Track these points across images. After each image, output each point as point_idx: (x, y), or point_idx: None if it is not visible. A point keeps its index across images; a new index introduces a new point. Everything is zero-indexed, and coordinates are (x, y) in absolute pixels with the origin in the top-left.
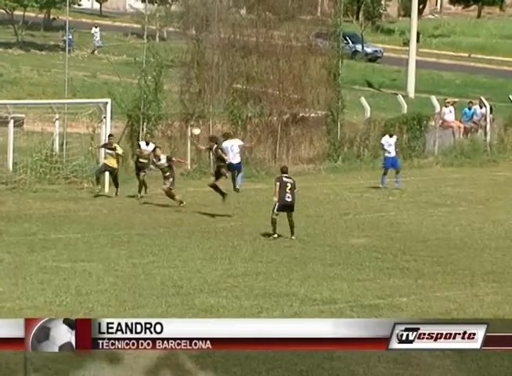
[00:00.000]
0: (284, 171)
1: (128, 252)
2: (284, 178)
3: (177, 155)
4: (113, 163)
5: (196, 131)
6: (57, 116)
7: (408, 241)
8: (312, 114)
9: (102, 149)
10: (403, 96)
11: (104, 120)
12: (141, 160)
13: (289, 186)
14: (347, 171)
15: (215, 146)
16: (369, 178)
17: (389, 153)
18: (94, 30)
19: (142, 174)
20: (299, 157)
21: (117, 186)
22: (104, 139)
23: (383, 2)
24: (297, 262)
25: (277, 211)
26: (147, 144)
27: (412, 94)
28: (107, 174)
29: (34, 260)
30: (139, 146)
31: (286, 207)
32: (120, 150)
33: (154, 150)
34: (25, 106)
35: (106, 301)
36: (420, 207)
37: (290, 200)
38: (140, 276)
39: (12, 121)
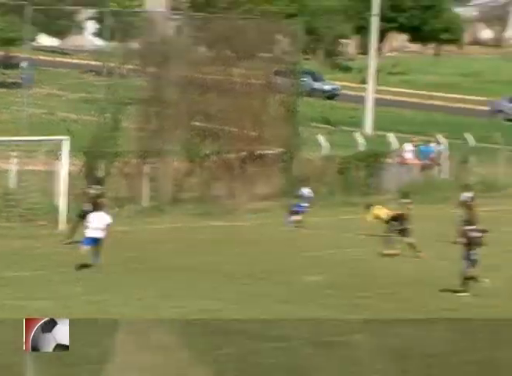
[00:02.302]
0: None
1: (82, 289)
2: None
3: (133, 192)
4: None
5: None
6: (14, 153)
7: (364, 278)
8: (270, 152)
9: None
10: (361, 134)
11: (61, 157)
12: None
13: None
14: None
15: None
16: (325, 216)
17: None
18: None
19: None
20: (256, 195)
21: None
22: (61, 177)
23: (341, 40)
24: (252, 298)
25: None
26: None
27: (369, 131)
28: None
29: None
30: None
31: None
32: None
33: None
34: None
35: None
36: (376, 244)
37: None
38: (95, 313)
39: None
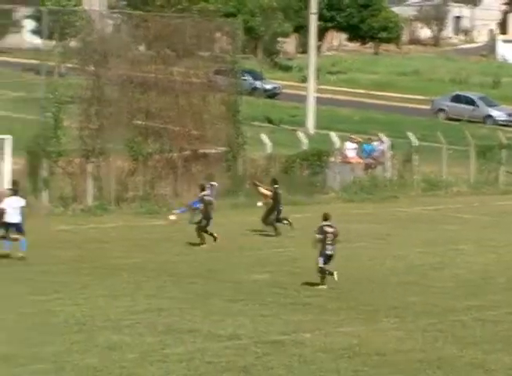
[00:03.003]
0: (326, 218)
1: (30, 289)
2: (326, 228)
3: (77, 192)
4: None
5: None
6: None
7: (309, 277)
8: (213, 150)
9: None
10: (303, 132)
11: (4, 156)
12: None
13: (330, 237)
14: (250, 207)
15: None
16: None
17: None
18: None
19: None
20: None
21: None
22: (5, 177)
23: (280, 39)
24: (200, 298)
25: (323, 264)
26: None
27: (311, 130)
28: None
29: None
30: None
31: (330, 259)
32: None
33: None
34: None
35: (7, 338)
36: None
37: (331, 253)
38: (43, 313)
39: None
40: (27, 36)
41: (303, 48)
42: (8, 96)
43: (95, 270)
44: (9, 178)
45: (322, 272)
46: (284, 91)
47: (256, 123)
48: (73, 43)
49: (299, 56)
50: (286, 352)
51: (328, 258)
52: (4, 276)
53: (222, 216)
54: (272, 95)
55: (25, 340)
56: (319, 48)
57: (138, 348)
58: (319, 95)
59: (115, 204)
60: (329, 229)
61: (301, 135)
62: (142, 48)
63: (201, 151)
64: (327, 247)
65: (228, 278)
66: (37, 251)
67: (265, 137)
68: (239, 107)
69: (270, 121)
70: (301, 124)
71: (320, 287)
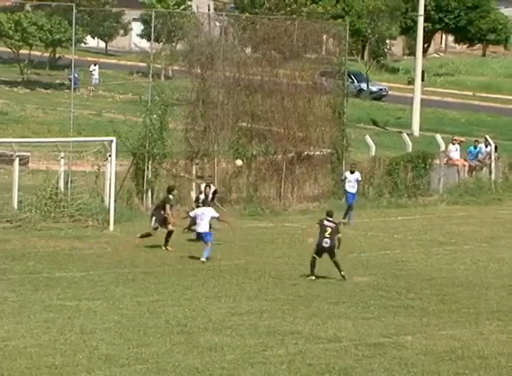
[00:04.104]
0: (329, 214)
1: (132, 290)
2: (325, 222)
3: (182, 193)
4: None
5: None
6: (62, 154)
7: (412, 279)
8: (317, 152)
9: (109, 187)
10: (408, 135)
11: (109, 158)
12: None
13: (329, 230)
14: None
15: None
16: (373, 217)
17: (349, 188)
18: (92, 67)
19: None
20: (304, 195)
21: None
22: (109, 178)
23: (387, 41)
24: (302, 300)
25: (315, 254)
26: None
27: (417, 132)
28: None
29: (38, 298)
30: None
31: (324, 252)
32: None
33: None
34: (30, 144)
35: (110, 339)
36: (425, 246)
37: (327, 245)
38: (145, 314)
39: (17, 160)
40: (135, 39)
41: (410, 50)
42: (115, 99)
43: (198, 272)
44: (114, 179)
45: (312, 264)
46: (390, 93)
47: (361, 125)
48: (180, 46)
49: (406, 58)
50: (387, 355)
51: (323, 251)
52: (108, 277)
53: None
54: (378, 97)
55: (127, 341)
56: (426, 50)
57: (239, 349)
58: (426, 97)
59: (220, 205)
60: (329, 224)
61: (405, 137)
62: (248, 50)
63: (305, 153)
64: (325, 239)
65: (330, 281)
66: (141, 253)
67: (369, 139)
68: (345, 109)
69: (375, 123)
70: (407, 126)
71: (309, 278)
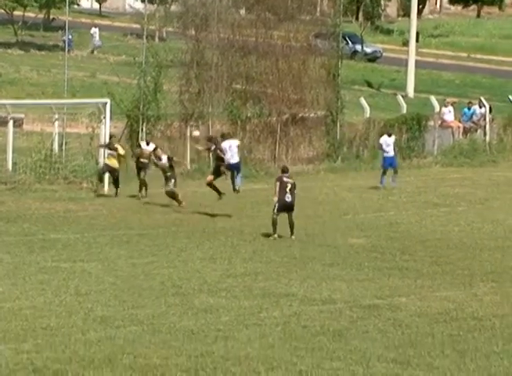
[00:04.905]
0: (284, 170)
1: (127, 252)
2: (284, 179)
3: (176, 155)
4: (114, 163)
5: (196, 133)
6: (56, 116)
7: (407, 241)
8: (312, 115)
9: (102, 149)
10: (402, 96)
11: (103, 120)
12: (141, 160)
13: (289, 186)
14: (347, 171)
15: (214, 146)
16: (368, 179)
17: (387, 152)
18: (93, 30)
19: (142, 174)
20: (298, 158)
21: (117, 186)
22: (104, 140)
23: (382, 2)
24: (297, 262)
25: (277, 211)
26: (147, 144)
27: (411, 94)
28: (107, 174)
29: (33, 260)
30: (139, 145)
31: (286, 208)
32: (121, 151)
33: (155, 149)
34: (24, 106)
35: (105, 301)
36: (419, 208)
37: (289, 200)
38: (139, 276)
39: (11, 121)
40: (129, 1)
41: (404, 12)
42: (109, 60)
43: (193, 234)
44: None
45: (274, 222)
46: (385, 54)
47: (355, 87)
48: (174, 7)
49: (400, 19)
50: (381, 317)
51: (286, 207)
52: (103, 239)
53: (320, 180)
54: (372, 58)
55: (122, 302)
56: (420, 11)
57: (233, 311)
58: (420, 58)
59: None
60: (288, 180)
61: (400, 99)
62: (242, 11)
63: (300, 115)
64: (286, 195)
65: (325, 242)
66: (135, 215)
67: (364, 101)
68: (339, 71)
69: (370, 85)
70: (401, 87)
71: (271, 237)
